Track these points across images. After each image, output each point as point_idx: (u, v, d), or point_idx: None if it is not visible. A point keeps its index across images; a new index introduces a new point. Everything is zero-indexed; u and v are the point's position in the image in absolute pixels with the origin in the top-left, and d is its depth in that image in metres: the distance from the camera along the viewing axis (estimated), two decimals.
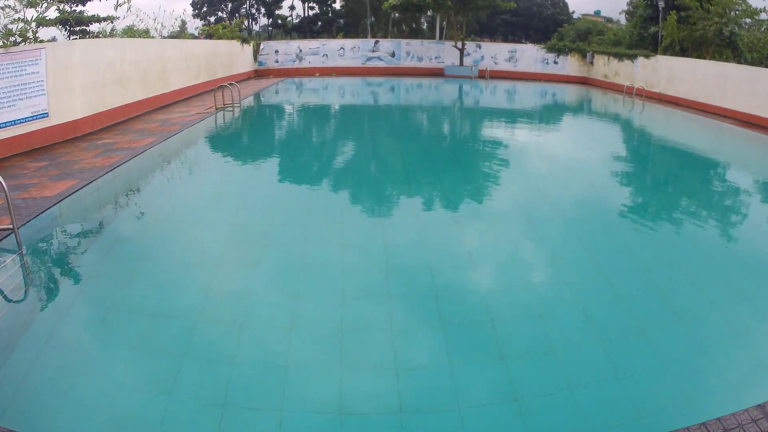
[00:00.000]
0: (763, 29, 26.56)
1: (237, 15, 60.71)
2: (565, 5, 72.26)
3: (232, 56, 31.95)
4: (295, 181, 11.63)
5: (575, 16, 70.46)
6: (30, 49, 12.81)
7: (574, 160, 14.19)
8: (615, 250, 7.75)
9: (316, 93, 30.23)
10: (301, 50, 38.40)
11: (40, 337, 5.16)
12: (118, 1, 20.85)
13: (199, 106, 20.71)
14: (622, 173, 13.01)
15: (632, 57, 29.87)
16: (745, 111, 20.22)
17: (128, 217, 8.88)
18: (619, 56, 31.26)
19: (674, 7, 28.14)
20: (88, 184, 9.84)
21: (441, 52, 38.92)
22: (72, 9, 27.78)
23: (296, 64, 38.18)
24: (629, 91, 27.45)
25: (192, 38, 33.14)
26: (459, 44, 37.70)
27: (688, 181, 12.75)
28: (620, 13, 51.31)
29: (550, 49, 37.27)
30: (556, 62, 36.94)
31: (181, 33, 36.77)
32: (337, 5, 60.87)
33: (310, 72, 37.97)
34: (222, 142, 15.78)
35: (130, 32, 23.36)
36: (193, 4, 61.20)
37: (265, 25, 67.54)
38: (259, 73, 36.89)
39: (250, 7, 63.61)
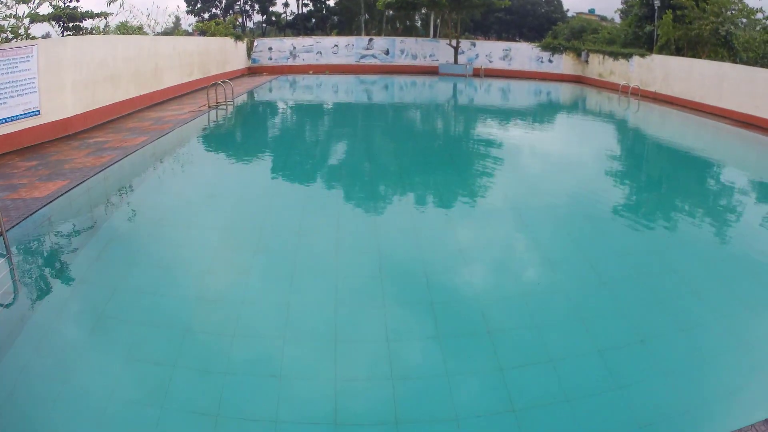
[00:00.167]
0: (758, 28, 26.61)
1: (231, 11, 60.41)
2: (560, 3, 72.31)
3: (226, 53, 31.73)
4: (288, 181, 11.50)
5: (569, 14, 70.55)
6: (21, 45, 12.63)
7: (569, 161, 14.02)
8: (614, 256, 7.62)
9: (310, 91, 30.07)
10: (295, 47, 38.20)
11: (27, 346, 5.04)
12: None
13: (192, 104, 20.54)
14: (619, 176, 12.84)
15: (628, 56, 29.84)
16: (742, 111, 20.20)
17: (119, 219, 8.70)
18: (615, 55, 31.23)
19: (670, 6, 28.11)
20: (78, 184, 9.69)
21: (435, 50, 38.82)
22: (65, 5, 27.55)
23: (290, 62, 37.99)
24: (624, 90, 27.43)
25: (186, 35, 32.84)
26: (453, 42, 37.59)
27: (687, 184, 12.57)
28: (615, 12, 51.33)
29: (545, 48, 37.21)
30: (550, 61, 36.89)
31: (174, 30, 36.49)
32: (331, 2, 60.71)
33: (304, 69, 37.78)
34: (215, 141, 15.63)
35: (124, 29, 23.14)
36: (186, 1, 60.83)
37: (258, 21, 67.34)
38: (252, 71, 36.68)
39: (243, 3, 63.30)
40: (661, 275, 7.03)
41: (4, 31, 13.55)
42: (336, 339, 5.28)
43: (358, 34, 48.77)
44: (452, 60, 37.67)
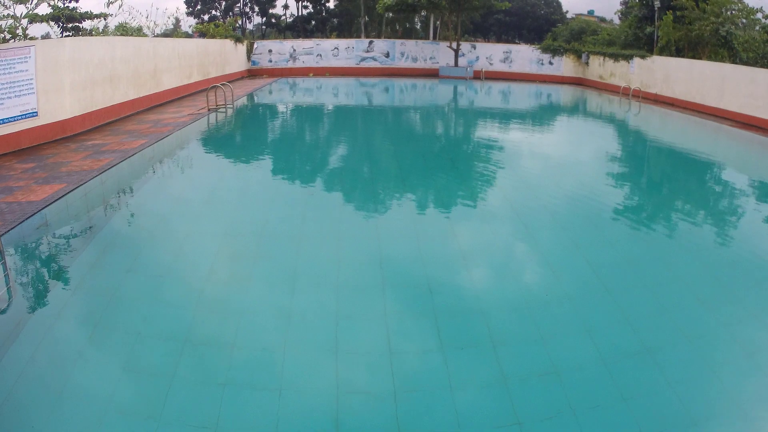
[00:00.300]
0: (757, 28, 26.55)
1: (231, 13, 60.40)
2: (559, 5, 72.38)
3: (225, 55, 31.63)
4: (289, 185, 11.37)
5: (569, 15, 70.65)
6: (19, 46, 12.53)
7: (572, 166, 13.83)
8: (618, 263, 7.45)
9: (310, 93, 29.98)
10: (294, 50, 38.11)
11: (22, 355, 4.91)
12: None
13: (191, 107, 20.43)
14: (622, 180, 12.63)
15: (628, 57, 29.76)
16: (744, 112, 20.11)
17: (116, 224, 8.56)
18: (615, 57, 31.15)
19: (670, 6, 28.06)
20: (75, 188, 9.56)
21: (436, 53, 38.75)
22: (64, 5, 27.45)
23: (290, 64, 37.90)
24: (625, 92, 27.33)
25: (186, 37, 32.75)
26: (454, 45, 37.52)
27: (692, 188, 12.39)
28: (615, 13, 51.38)
29: (545, 50, 37.16)
30: (551, 63, 36.83)
31: (174, 31, 36.42)
32: (331, 5, 60.73)
33: (304, 72, 37.70)
34: (215, 144, 15.52)
35: (123, 30, 23.05)
36: (186, 2, 60.84)
37: (258, 23, 67.36)
38: (252, 73, 36.59)
39: (243, 5, 63.28)
40: (667, 283, 6.88)
41: (2, 32, 13.48)
42: (337, 350, 5.15)
43: (358, 36, 48.70)
44: (453, 63, 37.60)
